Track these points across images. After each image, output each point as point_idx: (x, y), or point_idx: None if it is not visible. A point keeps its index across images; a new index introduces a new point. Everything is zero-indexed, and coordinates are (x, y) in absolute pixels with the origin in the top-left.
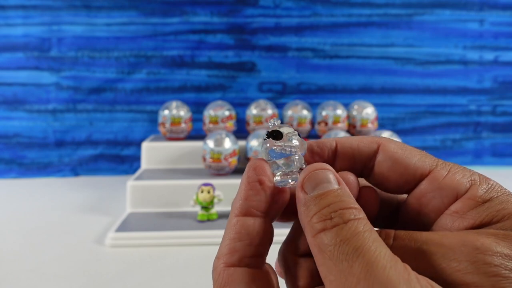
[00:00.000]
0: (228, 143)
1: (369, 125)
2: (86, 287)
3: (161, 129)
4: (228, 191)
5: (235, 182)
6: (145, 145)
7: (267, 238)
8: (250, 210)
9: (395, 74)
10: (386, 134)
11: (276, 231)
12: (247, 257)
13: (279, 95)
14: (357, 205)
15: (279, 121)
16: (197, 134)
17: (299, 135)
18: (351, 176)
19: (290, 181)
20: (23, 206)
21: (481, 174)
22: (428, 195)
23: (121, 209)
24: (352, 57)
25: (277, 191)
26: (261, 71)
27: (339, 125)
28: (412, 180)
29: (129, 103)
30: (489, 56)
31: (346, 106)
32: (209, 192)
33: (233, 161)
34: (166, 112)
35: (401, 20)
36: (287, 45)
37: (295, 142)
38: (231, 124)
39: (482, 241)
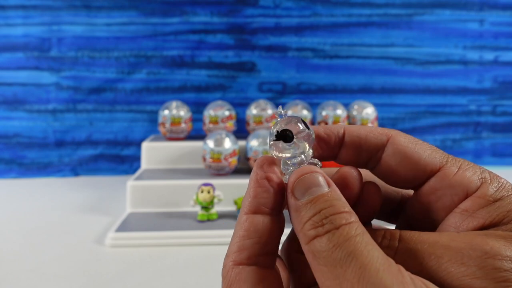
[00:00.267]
0: (228, 143)
1: (369, 125)
2: (86, 287)
3: (161, 129)
4: (228, 191)
5: (235, 182)
6: (145, 145)
7: (276, 235)
8: (259, 208)
9: (395, 74)
10: None
11: None
12: (256, 255)
13: (279, 95)
14: (348, 208)
15: (285, 111)
16: (197, 134)
17: (306, 125)
18: (354, 171)
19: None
20: (23, 206)
21: (491, 172)
22: (437, 192)
23: (121, 209)
24: (352, 57)
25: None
26: (261, 71)
27: None
28: (421, 176)
29: (129, 103)
30: (489, 56)
31: (346, 106)
32: (209, 192)
33: (233, 161)
34: (166, 112)
35: (401, 20)
36: (287, 45)
37: (306, 141)
38: (231, 124)
39: (492, 244)
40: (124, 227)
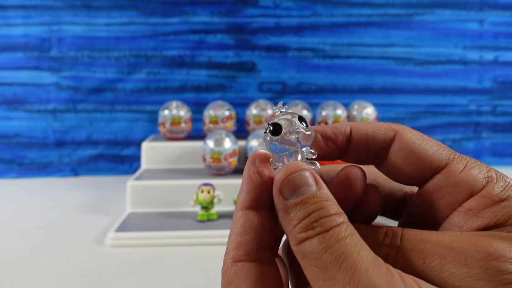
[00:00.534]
0: (228, 143)
1: (372, 121)
2: (86, 287)
3: (161, 129)
4: (228, 191)
5: (235, 182)
6: (145, 145)
7: (272, 229)
8: (253, 203)
9: (395, 74)
10: None
11: None
12: (254, 250)
13: (279, 95)
14: (337, 209)
15: (285, 108)
16: (197, 134)
17: (304, 122)
18: (358, 171)
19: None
20: (23, 206)
21: (498, 171)
22: (442, 189)
23: (121, 209)
24: (352, 57)
25: None
26: (261, 71)
27: None
28: (427, 172)
29: (129, 103)
30: (489, 56)
31: (346, 106)
32: (209, 192)
33: (233, 161)
34: (166, 112)
35: (401, 20)
36: (287, 45)
37: (298, 137)
38: (231, 124)
39: (496, 246)
40: (124, 227)
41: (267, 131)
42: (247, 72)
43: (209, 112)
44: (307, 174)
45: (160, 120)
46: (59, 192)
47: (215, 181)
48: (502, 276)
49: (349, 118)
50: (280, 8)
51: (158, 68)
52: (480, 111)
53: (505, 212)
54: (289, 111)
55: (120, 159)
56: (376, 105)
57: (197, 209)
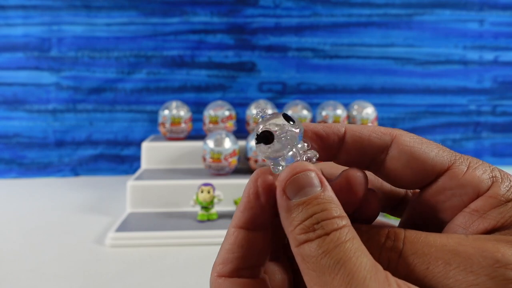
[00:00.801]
0: (228, 143)
1: (369, 125)
2: (86, 287)
3: (161, 129)
4: (228, 191)
5: (235, 182)
6: (145, 145)
7: (262, 250)
8: (246, 224)
9: (395, 74)
10: None
11: None
12: (239, 269)
13: (279, 95)
14: (339, 212)
15: (266, 111)
16: (197, 134)
17: (291, 119)
18: (360, 175)
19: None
20: (23, 206)
21: (502, 170)
22: (446, 192)
23: (121, 209)
24: (352, 57)
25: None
26: (261, 71)
27: None
28: (429, 176)
29: (129, 103)
30: (489, 56)
31: (346, 106)
32: (209, 192)
33: (233, 161)
34: (166, 112)
35: (401, 20)
36: (287, 45)
37: (289, 135)
38: (231, 124)
39: (503, 251)
40: (124, 227)
41: (258, 141)
42: (247, 72)
43: (209, 112)
44: (312, 174)
45: (160, 120)
46: (59, 192)
47: (215, 181)
48: (510, 286)
49: (349, 118)
50: (280, 8)
51: (158, 68)
52: (480, 111)
53: None
54: (270, 113)
55: (120, 159)
56: (376, 105)
57: (197, 209)
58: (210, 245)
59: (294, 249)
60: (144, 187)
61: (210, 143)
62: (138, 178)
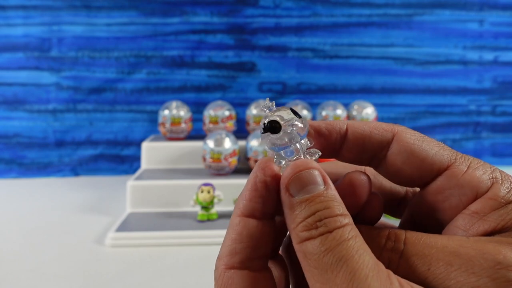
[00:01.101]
0: (228, 143)
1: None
2: (86, 287)
3: (161, 129)
4: (228, 191)
5: (235, 182)
6: (145, 145)
7: (270, 240)
8: (254, 212)
9: (395, 74)
10: None
11: None
12: (248, 259)
13: (279, 95)
14: (342, 209)
15: (273, 104)
16: (197, 134)
17: (297, 114)
18: (364, 178)
19: (309, 157)
20: (23, 206)
21: (502, 171)
22: (445, 192)
23: (121, 209)
24: (352, 57)
25: None
26: (261, 71)
27: None
28: (428, 175)
29: (129, 103)
30: (489, 56)
31: (346, 106)
32: (209, 192)
33: (233, 161)
34: (166, 112)
35: (401, 20)
36: (287, 45)
37: (295, 129)
38: (231, 124)
39: (505, 253)
40: (124, 227)
41: (264, 131)
42: (247, 72)
43: (209, 112)
44: (316, 172)
45: (160, 120)
46: (59, 192)
47: (215, 181)
48: (511, 287)
49: (349, 118)
50: (280, 8)
51: (158, 68)
52: (480, 111)
53: None
54: (276, 107)
55: (120, 159)
56: (376, 105)
57: (197, 209)
58: (210, 245)
59: (296, 246)
60: (144, 187)
61: (210, 143)
62: (138, 178)
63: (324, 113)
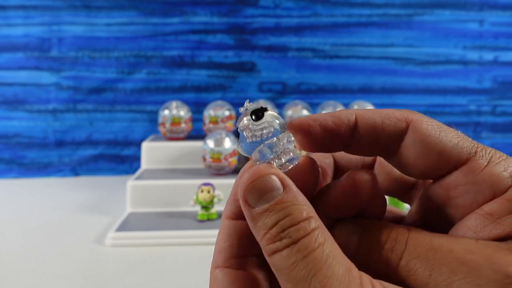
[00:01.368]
0: (228, 143)
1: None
2: (86, 287)
3: (161, 129)
4: (228, 191)
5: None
6: (145, 145)
7: (250, 239)
8: (232, 214)
9: (395, 74)
10: None
11: None
12: (231, 257)
13: (279, 95)
14: (306, 212)
15: (250, 105)
16: (197, 134)
17: (258, 115)
18: (368, 178)
19: (287, 163)
20: (23, 206)
21: None
22: (460, 187)
23: (121, 209)
24: (352, 57)
25: None
26: (261, 71)
27: None
28: (444, 169)
29: (129, 103)
30: (488, 56)
31: (346, 106)
32: (209, 192)
33: (233, 161)
34: (166, 112)
35: (401, 20)
36: (287, 45)
37: (254, 133)
38: (231, 124)
39: None
40: (124, 226)
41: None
42: (247, 72)
43: (209, 112)
44: (272, 177)
45: (160, 120)
46: (59, 192)
47: (215, 181)
48: None
49: None
50: (280, 8)
51: (158, 68)
52: (479, 111)
53: None
54: (252, 106)
55: (120, 159)
56: (376, 105)
57: (197, 208)
58: (210, 245)
59: (267, 259)
60: (144, 187)
61: (210, 143)
62: (138, 178)
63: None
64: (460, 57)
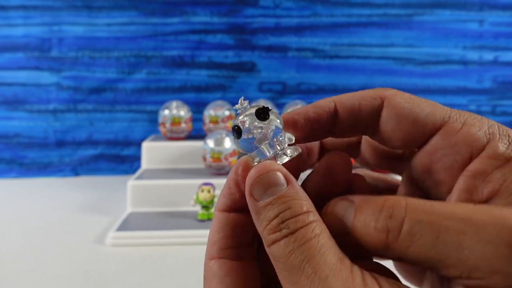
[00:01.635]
0: (228, 143)
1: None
2: (86, 287)
3: (161, 129)
4: None
5: None
6: (145, 145)
7: (243, 229)
8: (225, 207)
9: (395, 74)
10: None
11: None
12: (224, 248)
13: (279, 95)
14: (306, 207)
15: (246, 103)
16: (197, 134)
17: (263, 115)
18: (339, 159)
19: (284, 157)
20: (23, 206)
21: (501, 125)
22: (439, 152)
23: (121, 208)
24: (352, 57)
25: None
26: (261, 71)
27: None
28: (420, 137)
29: (129, 103)
30: (488, 56)
31: None
32: (209, 192)
33: (233, 160)
34: (166, 112)
35: (401, 20)
36: (287, 45)
37: (256, 133)
38: (231, 124)
39: None
40: (124, 226)
41: (232, 135)
42: (247, 72)
43: (209, 112)
44: (278, 174)
45: (160, 120)
46: (59, 192)
47: (215, 181)
48: None
49: None
50: (280, 8)
51: (158, 68)
52: (480, 111)
53: None
54: (251, 106)
55: (120, 159)
56: None
57: (198, 208)
58: None
59: (266, 249)
60: (145, 186)
61: (210, 143)
62: (138, 178)
63: None
64: (460, 57)
